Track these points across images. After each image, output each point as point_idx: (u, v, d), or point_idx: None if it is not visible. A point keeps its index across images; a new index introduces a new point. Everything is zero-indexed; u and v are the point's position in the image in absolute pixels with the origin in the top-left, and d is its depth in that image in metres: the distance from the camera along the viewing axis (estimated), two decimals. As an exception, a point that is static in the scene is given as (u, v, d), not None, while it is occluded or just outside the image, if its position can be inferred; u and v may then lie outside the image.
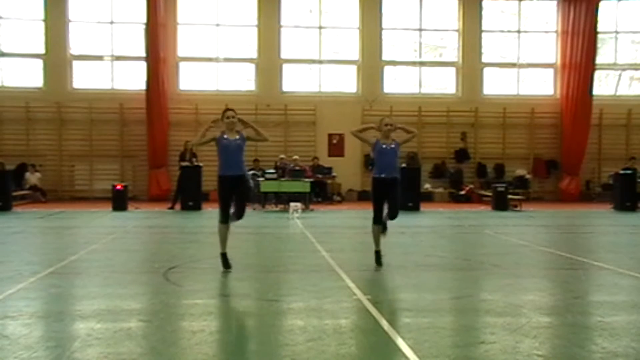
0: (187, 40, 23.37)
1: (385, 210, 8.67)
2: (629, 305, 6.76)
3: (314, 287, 7.44)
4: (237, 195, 8.30)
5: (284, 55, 23.46)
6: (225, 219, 8.29)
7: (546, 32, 24.56)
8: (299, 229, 13.78)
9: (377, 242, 8.73)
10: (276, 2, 23.26)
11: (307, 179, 18.95)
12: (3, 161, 19.67)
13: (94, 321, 5.83)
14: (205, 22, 23.26)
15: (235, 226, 8.59)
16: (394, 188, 8.65)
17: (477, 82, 24.05)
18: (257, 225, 14.55)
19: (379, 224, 8.67)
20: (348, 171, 22.86)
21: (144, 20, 21.61)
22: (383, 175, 8.64)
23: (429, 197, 21.95)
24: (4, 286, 7.26)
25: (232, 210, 8.33)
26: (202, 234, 12.86)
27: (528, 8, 24.57)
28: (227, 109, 8.61)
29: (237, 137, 8.40)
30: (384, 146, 8.71)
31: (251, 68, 23.67)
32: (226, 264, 8.35)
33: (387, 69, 23.95)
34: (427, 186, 22.61)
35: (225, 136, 8.35)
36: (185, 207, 18.17)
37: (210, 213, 16.44)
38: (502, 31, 24.79)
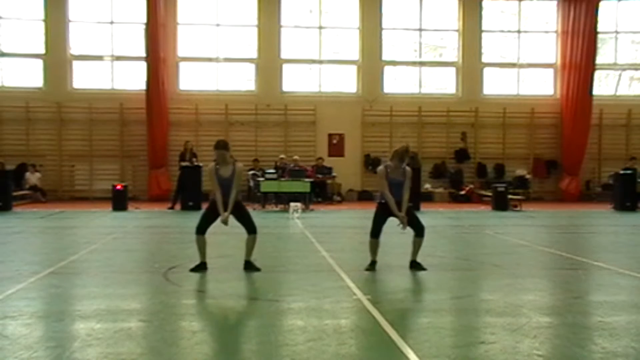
0: (187, 40, 23.36)
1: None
2: (629, 305, 6.77)
3: (314, 287, 7.44)
4: (238, 217, 8.52)
5: (284, 55, 23.45)
6: (201, 231, 8.43)
7: (546, 32, 24.55)
8: (299, 229, 13.78)
9: (373, 253, 8.66)
10: (276, 2, 23.25)
11: (308, 179, 18.95)
12: (3, 161, 19.66)
13: (94, 321, 5.83)
14: (205, 22, 23.25)
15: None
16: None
17: (477, 82, 24.04)
18: (257, 225, 14.50)
19: (377, 238, 8.59)
20: (348, 171, 22.85)
21: (144, 20, 21.59)
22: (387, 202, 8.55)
23: (429, 197, 21.94)
24: (4, 286, 7.26)
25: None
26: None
27: (528, 8, 24.56)
28: (219, 145, 8.55)
29: (230, 172, 8.46)
30: (394, 179, 8.58)
31: (251, 68, 23.66)
32: (198, 269, 8.36)
33: (387, 69, 23.94)
34: (427, 186, 22.60)
35: (219, 171, 8.46)
36: (185, 207, 18.14)
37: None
38: (502, 31, 24.78)
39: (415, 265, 8.64)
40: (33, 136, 22.54)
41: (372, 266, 8.59)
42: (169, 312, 6.30)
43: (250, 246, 8.54)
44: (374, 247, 8.65)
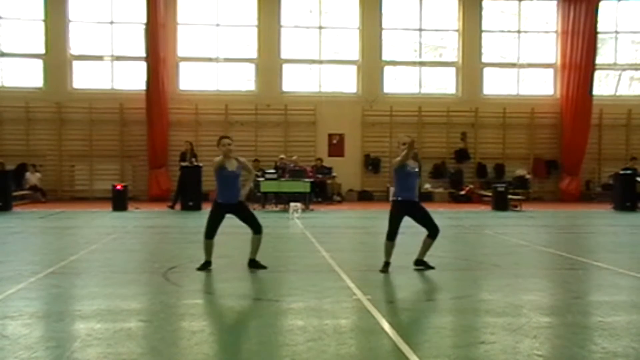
0: (187, 40, 23.36)
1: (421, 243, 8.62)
2: (629, 305, 6.76)
3: (314, 287, 7.45)
4: (243, 218, 8.57)
5: (284, 55, 23.45)
6: (210, 236, 8.50)
7: (546, 32, 24.55)
8: (299, 229, 13.77)
9: (388, 255, 8.50)
10: (276, 2, 23.25)
11: (308, 179, 18.94)
12: (3, 161, 19.65)
13: (94, 321, 5.83)
14: (205, 22, 23.25)
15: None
16: (420, 210, 8.66)
17: (477, 82, 24.04)
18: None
19: (393, 241, 8.47)
20: (348, 171, 22.84)
21: (144, 20, 21.59)
22: (404, 199, 8.51)
23: (429, 197, 21.92)
24: (4, 286, 7.26)
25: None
26: (202, 234, 12.84)
27: (528, 8, 24.55)
28: (223, 137, 8.73)
29: (236, 167, 8.55)
30: (411, 168, 8.55)
31: (251, 68, 23.66)
32: (204, 267, 8.44)
33: (387, 69, 23.94)
34: (427, 186, 22.59)
35: (225, 167, 8.47)
36: (185, 207, 18.14)
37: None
38: (502, 31, 24.78)
39: (422, 264, 8.63)
40: (33, 136, 22.54)
41: (385, 267, 8.47)
42: (169, 312, 6.30)
43: (256, 245, 8.56)
44: (389, 249, 8.50)
